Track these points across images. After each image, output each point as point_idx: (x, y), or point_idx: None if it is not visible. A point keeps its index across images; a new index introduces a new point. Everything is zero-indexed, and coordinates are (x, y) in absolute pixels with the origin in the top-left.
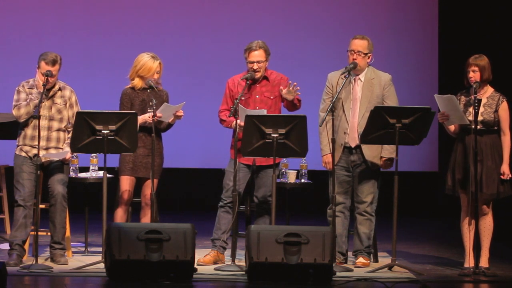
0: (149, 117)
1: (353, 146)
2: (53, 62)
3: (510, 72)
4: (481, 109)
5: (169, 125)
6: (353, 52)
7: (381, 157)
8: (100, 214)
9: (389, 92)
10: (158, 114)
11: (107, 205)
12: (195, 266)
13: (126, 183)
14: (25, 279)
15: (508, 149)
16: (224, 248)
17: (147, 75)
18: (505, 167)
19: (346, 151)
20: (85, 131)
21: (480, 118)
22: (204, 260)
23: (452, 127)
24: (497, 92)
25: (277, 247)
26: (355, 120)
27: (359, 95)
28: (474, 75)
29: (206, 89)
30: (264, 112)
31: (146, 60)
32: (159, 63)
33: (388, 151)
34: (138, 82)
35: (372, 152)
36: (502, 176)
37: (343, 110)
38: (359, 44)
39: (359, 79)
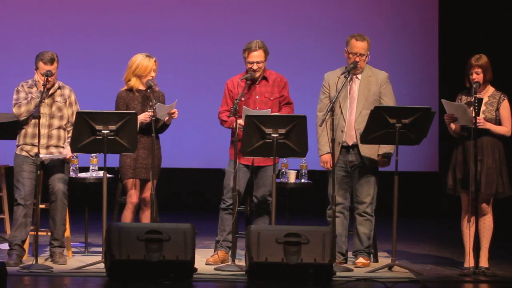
0: (146, 117)
1: (350, 144)
2: (51, 61)
3: (510, 72)
4: (483, 108)
5: (165, 126)
6: (355, 55)
7: (378, 155)
8: (100, 214)
9: (386, 89)
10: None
11: (107, 205)
12: (203, 265)
13: (132, 186)
14: (25, 279)
15: (500, 130)
16: (230, 248)
17: (144, 73)
18: (487, 123)
19: (343, 151)
20: (85, 131)
21: (482, 116)
22: (214, 259)
23: (453, 126)
24: (498, 91)
25: (277, 247)
26: (352, 117)
27: (356, 93)
28: (477, 76)
29: (206, 89)
30: (268, 112)
31: (141, 59)
32: (155, 61)
33: (385, 148)
34: (135, 83)
35: (370, 150)
36: (479, 123)
37: (340, 109)
38: (361, 47)
39: (357, 77)
